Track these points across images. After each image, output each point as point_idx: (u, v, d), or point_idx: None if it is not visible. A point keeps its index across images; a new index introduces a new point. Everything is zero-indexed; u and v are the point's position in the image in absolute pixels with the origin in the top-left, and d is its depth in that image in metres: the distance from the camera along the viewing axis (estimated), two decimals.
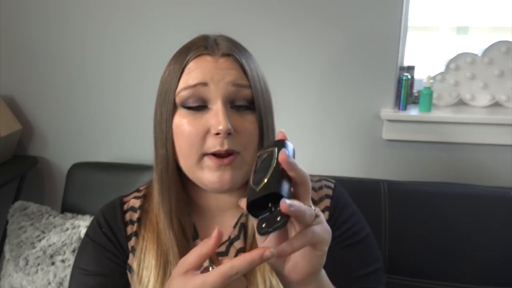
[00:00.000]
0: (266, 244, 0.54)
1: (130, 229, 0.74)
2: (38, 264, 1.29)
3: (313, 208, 0.50)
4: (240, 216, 0.72)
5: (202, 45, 0.68)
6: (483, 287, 1.11)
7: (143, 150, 1.50)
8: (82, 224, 1.33)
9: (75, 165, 1.45)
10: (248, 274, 0.69)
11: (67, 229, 1.32)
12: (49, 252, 1.29)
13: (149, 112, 1.52)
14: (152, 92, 1.54)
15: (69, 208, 1.42)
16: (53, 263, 1.29)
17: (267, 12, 1.36)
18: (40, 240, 1.31)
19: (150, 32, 1.44)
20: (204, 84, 0.65)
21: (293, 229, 0.52)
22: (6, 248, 1.35)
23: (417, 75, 1.42)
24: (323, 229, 0.51)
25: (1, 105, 1.48)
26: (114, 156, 1.54)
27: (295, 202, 0.47)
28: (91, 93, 1.52)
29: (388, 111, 1.36)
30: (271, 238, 0.54)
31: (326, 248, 0.52)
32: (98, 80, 1.51)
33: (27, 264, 1.29)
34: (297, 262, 0.52)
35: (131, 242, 0.72)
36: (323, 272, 0.56)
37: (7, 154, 1.52)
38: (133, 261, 0.71)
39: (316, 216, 0.50)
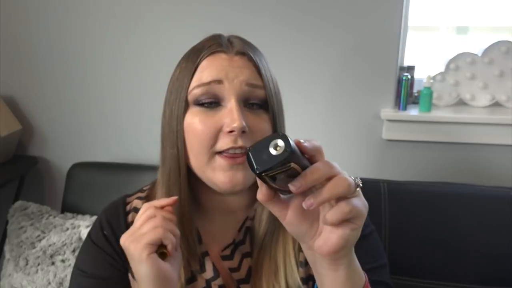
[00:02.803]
0: (288, 220, 0.51)
1: None
2: (38, 264, 1.29)
3: (352, 177, 0.48)
4: (245, 220, 0.71)
5: (216, 43, 0.67)
6: (483, 287, 1.11)
7: (143, 150, 1.51)
8: (82, 224, 1.33)
9: (75, 165, 1.45)
10: (253, 280, 0.68)
11: (67, 229, 1.32)
12: (49, 252, 1.29)
13: (149, 112, 1.53)
14: (152, 92, 1.54)
15: (69, 208, 1.42)
16: (53, 263, 1.29)
17: (267, 12, 1.36)
18: (40, 240, 1.31)
19: (150, 33, 1.44)
20: (219, 81, 0.64)
21: (327, 205, 0.49)
22: (6, 248, 1.35)
23: (417, 75, 1.42)
24: (361, 202, 0.49)
25: (1, 105, 1.48)
26: (114, 156, 1.54)
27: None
28: (91, 93, 1.52)
29: (388, 111, 1.36)
30: (295, 213, 0.51)
31: (362, 223, 0.49)
32: (98, 80, 1.51)
33: (27, 264, 1.29)
34: (329, 236, 0.49)
35: None
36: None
37: (7, 154, 1.52)
38: None
39: (357, 186, 0.48)
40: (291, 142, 0.44)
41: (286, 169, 0.44)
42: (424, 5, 1.44)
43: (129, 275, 0.71)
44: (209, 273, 0.69)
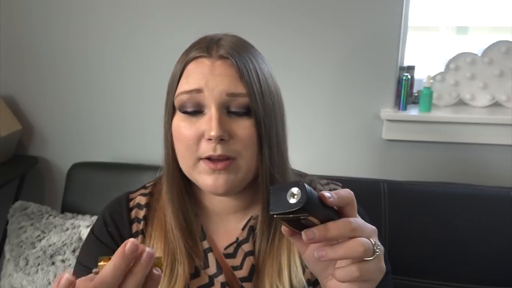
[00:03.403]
0: (305, 256, 0.52)
1: (136, 227, 0.74)
2: (38, 264, 1.29)
3: (372, 241, 0.47)
4: (250, 219, 0.72)
5: (202, 47, 0.67)
6: (483, 287, 1.11)
7: (143, 150, 1.51)
8: (82, 224, 1.33)
9: (75, 165, 1.45)
10: (255, 280, 0.69)
11: (67, 229, 1.32)
12: (49, 252, 1.29)
13: (150, 112, 1.53)
14: (153, 92, 1.54)
15: (69, 208, 1.42)
16: (53, 263, 1.29)
17: (267, 13, 1.36)
18: (40, 240, 1.31)
19: (151, 33, 1.43)
20: (199, 90, 0.64)
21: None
22: (6, 248, 1.35)
23: (417, 75, 1.42)
24: (376, 268, 0.48)
25: (1, 105, 1.48)
26: (114, 156, 1.54)
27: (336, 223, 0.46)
28: (91, 93, 1.52)
29: (388, 111, 1.36)
30: (313, 252, 0.50)
31: (373, 286, 0.49)
32: (98, 80, 1.51)
33: (27, 264, 1.29)
34: (340, 286, 0.50)
35: (138, 240, 0.72)
36: None
37: (7, 154, 1.52)
38: None
39: (374, 252, 0.47)
40: (308, 194, 0.44)
41: (301, 218, 0.45)
42: (424, 5, 1.44)
43: None
44: (212, 269, 0.70)
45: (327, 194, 0.46)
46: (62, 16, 1.47)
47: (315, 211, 0.45)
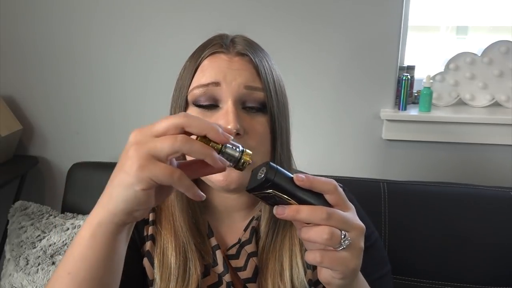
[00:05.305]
0: (298, 234, 0.53)
1: (146, 229, 0.72)
2: (39, 264, 1.29)
3: (343, 234, 0.48)
4: (252, 219, 0.72)
5: (217, 43, 0.67)
6: (483, 287, 1.11)
7: None
8: (82, 224, 1.33)
9: (75, 165, 1.45)
10: (259, 279, 0.69)
11: (68, 229, 1.32)
12: (50, 252, 1.29)
13: (150, 112, 1.52)
14: (153, 92, 1.54)
15: (69, 208, 1.41)
16: (53, 263, 1.29)
17: (269, 13, 1.36)
18: (40, 240, 1.31)
19: (153, 34, 1.43)
20: (216, 83, 0.64)
21: None
22: (7, 248, 1.35)
23: (417, 75, 1.42)
24: (343, 260, 0.48)
25: (1, 105, 1.48)
26: (115, 156, 1.54)
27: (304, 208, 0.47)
28: (91, 93, 1.52)
29: (388, 111, 1.36)
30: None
31: (342, 277, 0.49)
32: (98, 80, 1.51)
33: (27, 263, 1.29)
34: (320, 270, 0.51)
35: (149, 230, 0.71)
36: (359, 279, 0.54)
37: (7, 154, 1.53)
38: (153, 250, 0.69)
39: (341, 245, 0.48)
40: (271, 171, 0.47)
41: (267, 194, 0.48)
42: (424, 5, 1.44)
43: (145, 259, 0.70)
44: (220, 267, 0.69)
45: (298, 176, 0.47)
46: (63, 16, 1.47)
47: (284, 189, 0.47)
